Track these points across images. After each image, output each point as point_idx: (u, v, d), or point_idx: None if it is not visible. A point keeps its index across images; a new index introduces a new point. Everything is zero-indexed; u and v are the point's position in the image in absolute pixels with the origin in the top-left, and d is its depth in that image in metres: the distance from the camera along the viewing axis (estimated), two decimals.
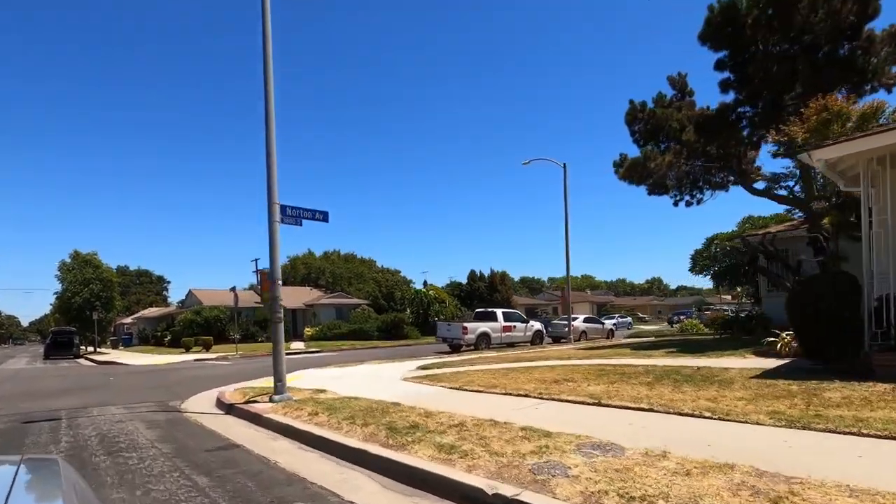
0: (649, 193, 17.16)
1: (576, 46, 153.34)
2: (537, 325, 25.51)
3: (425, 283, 51.13)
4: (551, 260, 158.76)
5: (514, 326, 24.05)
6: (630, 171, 15.69)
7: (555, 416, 6.09)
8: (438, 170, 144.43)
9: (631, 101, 16.50)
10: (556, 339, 27.31)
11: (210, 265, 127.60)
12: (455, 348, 23.66)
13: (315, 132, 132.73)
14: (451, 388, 9.18)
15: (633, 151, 17.52)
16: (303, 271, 51.14)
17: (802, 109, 10.47)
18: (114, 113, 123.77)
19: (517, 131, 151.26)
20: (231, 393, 10.07)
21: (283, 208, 8.82)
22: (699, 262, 20.17)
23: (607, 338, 29.51)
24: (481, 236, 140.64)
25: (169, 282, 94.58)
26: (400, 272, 56.74)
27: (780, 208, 22.39)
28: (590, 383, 8.23)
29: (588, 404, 6.85)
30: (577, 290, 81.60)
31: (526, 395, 7.76)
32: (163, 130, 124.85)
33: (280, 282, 8.79)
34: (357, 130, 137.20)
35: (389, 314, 39.38)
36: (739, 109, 14.76)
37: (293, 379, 12.80)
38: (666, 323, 61.60)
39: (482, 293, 48.35)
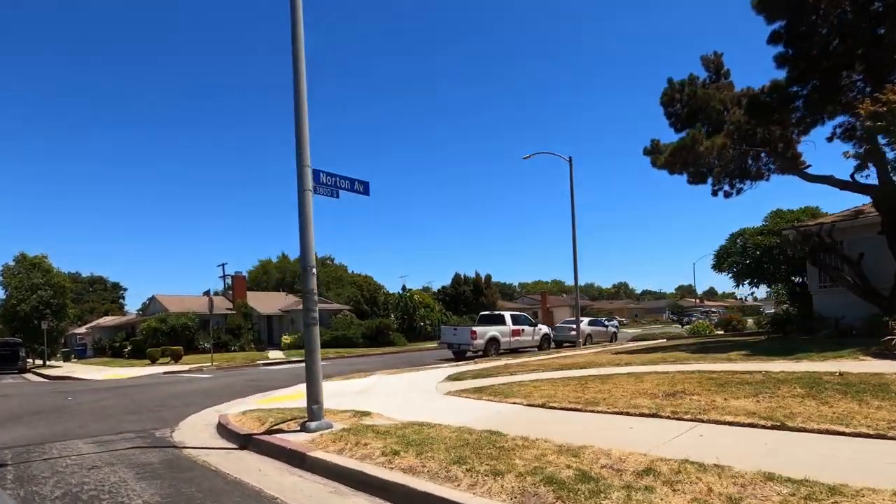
0: (690, 182, 15.72)
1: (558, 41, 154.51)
2: (545, 329, 23.81)
3: (404, 288, 48.93)
4: (519, 265, 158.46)
5: (523, 330, 22.26)
6: (675, 157, 14.16)
7: (752, 449, 4.25)
8: (403, 173, 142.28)
9: (669, 80, 15.05)
10: (559, 344, 25.68)
11: (170, 271, 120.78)
12: (459, 355, 21.67)
13: (272, 131, 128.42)
14: (530, 405, 7.23)
15: (667, 137, 16.13)
16: (276, 276, 47.99)
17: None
18: (62, 102, 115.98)
19: (479, 133, 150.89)
20: (236, 417, 7.81)
21: (317, 174, 6.71)
22: (727, 259, 18.79)
23: (611, 341, 28.15)
24: (451, 242, 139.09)
25: (125, 289, 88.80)
26: (372, 277, 54.18)
27: (812, 199, 21.54)
28: (723, 397, 6.43)
29: (762, 427, 5.05)
30: (551, 294, 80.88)
31: (654, 415, 5.90)
32: (112, 123, 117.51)
33: (314, 270, 6.69)
34: (324, 131, 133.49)
35: (374, 320, 37.00)
36: (794, 88, 13.46)
37: (299, 397, 10.60)
38: (646, 325, 61.42)
39: (468, 297, 46.55)
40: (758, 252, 18.05)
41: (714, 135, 14.20)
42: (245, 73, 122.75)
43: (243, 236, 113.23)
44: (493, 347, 20.59)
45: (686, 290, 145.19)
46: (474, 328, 20.19)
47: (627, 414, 6.13)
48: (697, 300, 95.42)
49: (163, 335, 32.85)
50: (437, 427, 5.83)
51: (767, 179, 15.74)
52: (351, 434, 5.69)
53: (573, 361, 13.24)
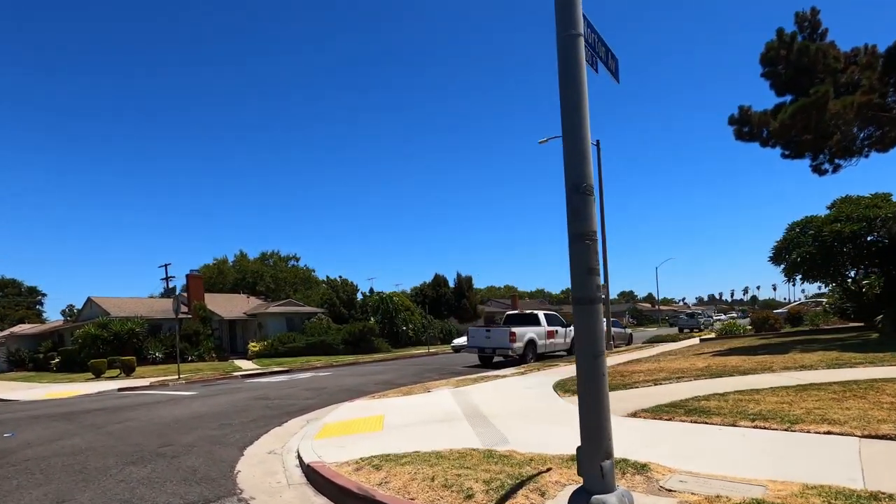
0: (787, 156, 13.68)
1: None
2: (572, 331, 21.08)
3: (371, 290, 45.20)
4: (473, 269, 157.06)
5: (556, 332, 19.52)
6: (796, 119, 11.91)
7: None
8: (361, 171, 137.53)
9: (779, 31, 12.87)
10: None
11: (98, 274, 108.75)
12: (486, 361, 18.65)
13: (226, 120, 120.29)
14: (883, 436, 4.36)
15: (761, 103, 14.01)
16: (234, 277, 42.60)
17: None
18: None
19: (446, 133, 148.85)
20: (368, 474, 4.44)
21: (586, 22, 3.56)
22: (795, 250, 16.95)
23: (628, 343, 26.10)
24: (409, 243, 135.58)
25: (44, 294, 78.45)
26: (348, 279, 50.12)
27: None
28: None
29: None
30: (506, 298, 78.99)
31: None
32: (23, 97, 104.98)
33: (593, 195, 3.46)
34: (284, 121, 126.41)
35: (355, 324, 33.12)
36: None
37: (374, 425, 7.32)
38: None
39: (449, 300, 43.50)
40: (827, 243, 16.31)
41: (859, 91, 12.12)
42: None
43: (186, 235, 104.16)
44: (530, 352, 17.70)
45: (628, 296, 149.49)
46: (513, 329, 17.19)
47: None
48: (656, 305, 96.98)
49: (104, 343, 27.51)
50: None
51: (867, 156, 13.93)
52: None
53: (689, 365, 10.59)
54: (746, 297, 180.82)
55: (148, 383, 18.33)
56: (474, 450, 4.92)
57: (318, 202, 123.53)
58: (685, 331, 40.69)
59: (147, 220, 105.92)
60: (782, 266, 18.45)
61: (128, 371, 21.57)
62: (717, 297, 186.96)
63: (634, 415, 6.28)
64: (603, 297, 20.90)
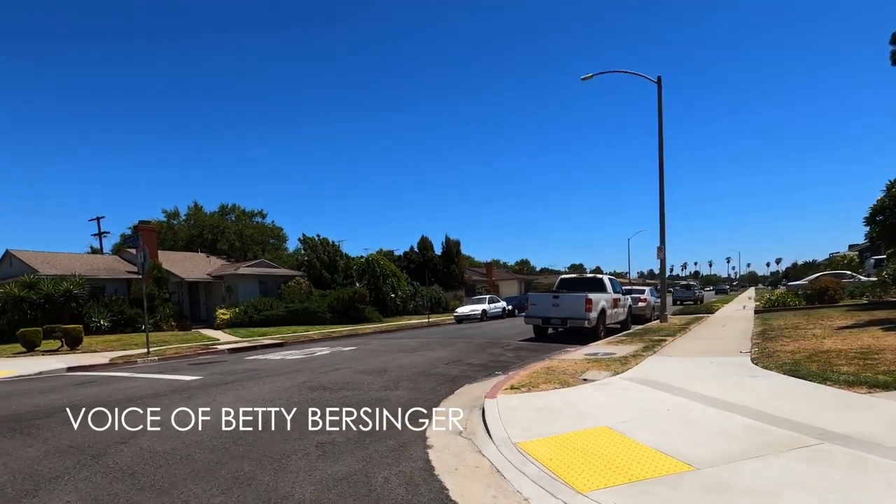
0: None
1: None
2: (629, 300, 18.37)
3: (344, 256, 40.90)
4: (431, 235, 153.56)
5: (619, 300, 16.63)
6: None
7: None
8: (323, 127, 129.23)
9: None
10: None
11: (8, 229, 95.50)
12: (540, 332, 15.57)
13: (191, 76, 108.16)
14: None
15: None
16: (188, 233, 36.73)
17: None
18: None
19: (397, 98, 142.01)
20: None
21: None
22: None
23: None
24: (373, 205, 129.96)
25: None
26: (328, 238, 45.33)
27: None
28: None
29: None
30: (478, 267, 76.82)
31: None
32: None
33: None
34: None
35: (344, 289, 29.04)
36: None
37: (649, 468, 3.91)
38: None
39: (437, 265, 39.98)
40: None
41: None
42: None
43: (120, 187, 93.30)
44: (601, 323, 14.72)
45: (578, 269, 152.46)
46: (589, 296, 14.04)
47: None
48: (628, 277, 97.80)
49: (32, 308, 22.09)
50: None
51: None
52: None
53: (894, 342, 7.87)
54: (685, 272, 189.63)
55: (107, 360, 13.91)
56: None
57: (273, 158, 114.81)
58: (678, 302, 39.95)
59: (69, 166, 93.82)
60: (870, 228, 16.38)
61: (72, 343, 16.76)
62: (657, 272, 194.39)
63: None
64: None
